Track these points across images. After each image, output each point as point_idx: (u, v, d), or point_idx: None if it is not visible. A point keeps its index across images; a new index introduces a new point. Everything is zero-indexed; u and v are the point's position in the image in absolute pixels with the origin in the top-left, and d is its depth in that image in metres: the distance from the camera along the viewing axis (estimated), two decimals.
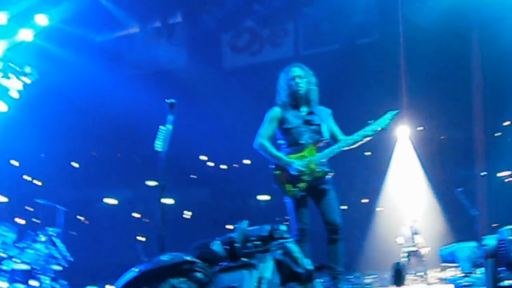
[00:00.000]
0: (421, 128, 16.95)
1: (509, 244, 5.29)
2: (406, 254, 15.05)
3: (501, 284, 5.53)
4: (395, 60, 14.78)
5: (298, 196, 6.24)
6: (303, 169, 6.21)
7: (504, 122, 16.67)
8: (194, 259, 1.81)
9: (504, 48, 13.68)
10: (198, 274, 1.71)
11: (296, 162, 6.23)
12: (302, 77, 6.52)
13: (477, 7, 13.86)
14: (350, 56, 14.89)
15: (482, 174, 15.07)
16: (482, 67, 15.23)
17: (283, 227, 2.08)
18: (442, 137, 17.05)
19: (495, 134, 17.06)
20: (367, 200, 18.62)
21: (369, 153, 17.81)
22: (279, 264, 1.96)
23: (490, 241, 5.48)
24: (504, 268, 5.51)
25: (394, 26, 14.20)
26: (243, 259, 1.83)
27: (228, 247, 1.82)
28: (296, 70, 6.54)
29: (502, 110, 15.87)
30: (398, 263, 3.97)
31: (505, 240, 5.34)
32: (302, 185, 6.24)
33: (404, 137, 16.50)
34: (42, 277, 10.19)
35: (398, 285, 3.90)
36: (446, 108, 16.04)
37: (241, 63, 15.84)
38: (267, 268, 1.87)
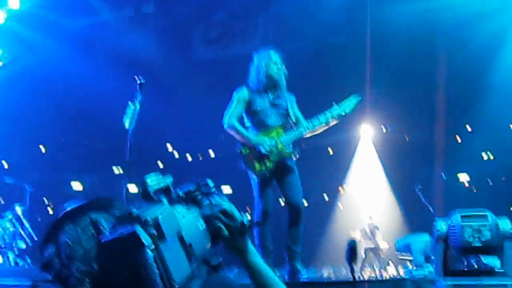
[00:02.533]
0: (384, 128, 17.12)
1: (459, 228, 5.37)
2: (364, 250, 15.19)
3: (451, 268, 5.61)
4: (361, 61, 14.90)
5: (265, 174, 6.27)
6: (272, 148, 6.23)
7: (466, 125, 16.94)
8: (112, 198, 1.87)
9: (467, 53, 13.90)
10: (116, 211, 1.78)
11: (266, 141, 6.25)
12: (281, 64, 6.54)
13: (442, 13, 14.06)
14: (317, 55, 14.99)
15: (442, 176, 15.24)
16: (445, 71, 15.43)
17: (211, 183, 2.06)
18: (407, 139, 17.23)
19: (457, 138, 17.35)
20: (327, 197, 18.74)
21: (331, 151, 17.97)
22: (207, 219, 1.96)
23: (441, 225, 5.55)
24: (454, 253, 5.60)
25: (362, 28, 14.33)
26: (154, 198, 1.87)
27: (140, 188, 1.85)
28: (277, 56, 6.55)
29: (464, 114, 16.10)
30: (352, 240, 3.99)
31: (455, 224, 5.42)
32: (269, 164, 6.27)
33: (366, 137, 16.64)
34: (7, 252, 10.18)
35: (351, 262, 3.92)
36: (409, 110, 16.23)
37: (211, 55, 15.83)
38: (183, 210, 1.89)
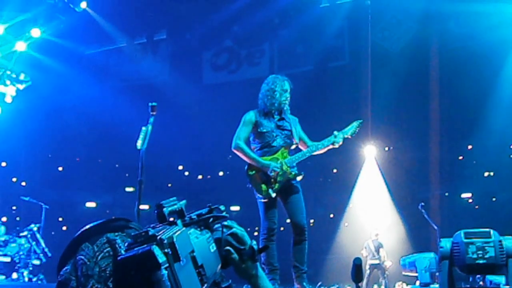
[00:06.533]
0: (387, 148, 17.09)
1: (463, 246, 5.32)
2: (368, 266, 15.12)
3: (456, 286, 5.55)
4: (363, 83, 14.95)
5: (271, 195, 6.30)
6: (278, 170, 6.28)
7: (468, 145, 16.90)
8: (129, 219, 1.88)
9: (467, 74, 13.88)
10: (131, 230, 1.79)
11: (272, 164, 6.30)
12: (289, 93, 6.67)
13: (441, 36, 14.09)
14: (321, 78, 15.06)
15: (445, 194, 15.13)
16: (446, 92, 15.42)
17: (222, 207, 2.07)
18: (410, 158, 17.17)
19: (459, 157, 17.30)
20: (333, 215, 18.70)
21: (337, 171, 17.95)
22: (218, 242, 1.97)
23: (446, 243, 5.50)
24: (459, 270, 5.53)
25: (364, 51, 14.36)
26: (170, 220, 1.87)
27: (156, 211, 1.86)
28: (289, 86, 6.68)
29: (465, 134, 16.06)
30: (357, 258, 3.94)
31: (459, 242, 5.37)
32: (275, 185, 6.33)
33: (370, 157, 16.58)
34: (22, 270, 10.27)
35: (357, 281, 3.87)
36: (411, 130, 16.21)
37: (220, 80, 15.91)
38: (196, 232, 1.89)
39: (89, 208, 18.65)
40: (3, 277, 10.17)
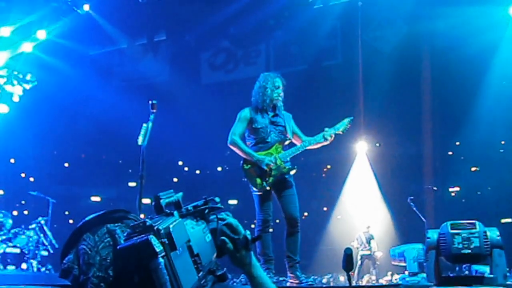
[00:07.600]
0: (378, 144, 17.11)
1: (449, 237, 5.34)
2: (360, 257, 15.16)
3: (443, 274, 5.57)
4: (355, 81, 14.93)
5: (266, 188, 6.33)
6: (272, 164, 6.31)
7: (456, 142, 16.94)
8: (128, 210, 1.89)
9: (456, 74, 13.90)
10: (130, 221, 1.80)
11: (267, 158, 6.33)
12: (282, 90, 6.68)
13: (430, 37, 14.09)
14: (315, 76, 15.05)
15: (433, 188, 15.16)
16: (435, 90, 15.44)
17: (217, 199, 2.08)
18: (399, 154, 17.20)
19: (447, 153, 17.35)
20: (326, 208, 18.74)
21: (330, 167, 17.97)
22: (214, 232, 1.98)
23: (433, 234, 5.52)
24: (445, 260, 5.55)
25: (356, 51, 14.35)
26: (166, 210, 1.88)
27: (153, 202, 1.87)
28: (281, 82, 6.68)
29: (453, 131, 16.09)
30: (348, 248, 3.94)
31: (445, 233, 5.39)
32: (269, 179, 6.35)
33: (362, 152, 16.61)
34: (31, 260, 10.35)
35: (348, 270, 3.87)
36: (401, 127, 16.23)
37: (217, 79, 15.90)
38: (193, 223, 1.90)
39: (94, 202, 18.76)
40: (13, 267, 10.25)
